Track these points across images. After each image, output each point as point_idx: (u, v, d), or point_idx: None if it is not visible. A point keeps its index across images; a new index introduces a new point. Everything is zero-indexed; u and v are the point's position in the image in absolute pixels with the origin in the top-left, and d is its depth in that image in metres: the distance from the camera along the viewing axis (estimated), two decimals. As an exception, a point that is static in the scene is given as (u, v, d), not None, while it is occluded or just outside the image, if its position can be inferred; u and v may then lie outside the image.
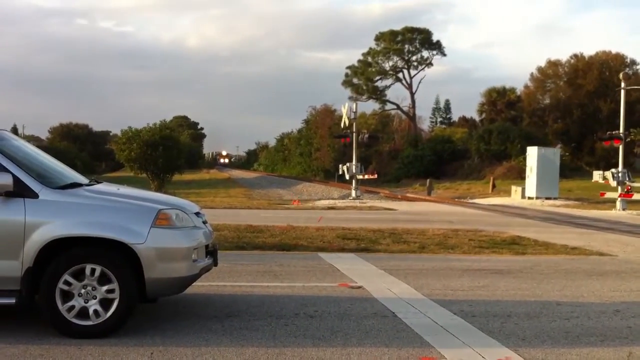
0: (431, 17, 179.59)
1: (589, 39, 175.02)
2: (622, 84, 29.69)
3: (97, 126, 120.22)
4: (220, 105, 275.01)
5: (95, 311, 5.94)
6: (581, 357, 5.72)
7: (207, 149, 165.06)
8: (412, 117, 76.68)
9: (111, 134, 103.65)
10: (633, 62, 60.29)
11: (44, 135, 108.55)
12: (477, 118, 73.85)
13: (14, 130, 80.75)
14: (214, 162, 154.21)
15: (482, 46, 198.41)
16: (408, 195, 40.94)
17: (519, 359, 5.64)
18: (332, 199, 36.86)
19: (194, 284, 6.83)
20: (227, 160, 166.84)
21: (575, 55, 62.72)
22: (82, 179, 7.20)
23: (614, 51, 61.53)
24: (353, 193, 35.26)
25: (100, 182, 7.48)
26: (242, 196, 39.07)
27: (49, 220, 5.97)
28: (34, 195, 6.03)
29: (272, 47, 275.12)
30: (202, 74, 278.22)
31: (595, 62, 60.55)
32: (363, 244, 13.28)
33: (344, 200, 33.70)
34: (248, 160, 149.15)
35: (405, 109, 77.36)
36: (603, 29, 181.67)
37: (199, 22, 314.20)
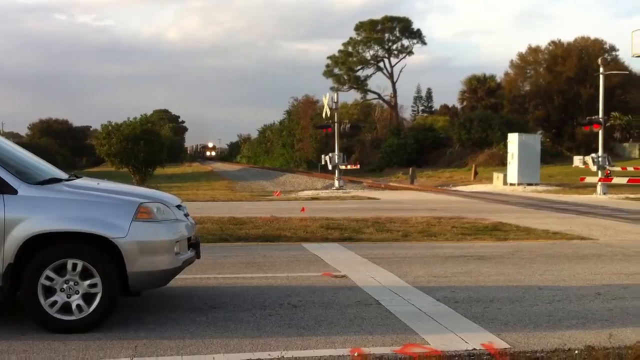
0: (411, 7, 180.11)
1: (570, 24, 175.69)
2: (601, 70, 29.89)
3: (77, 121, 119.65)
4: (201, 98, 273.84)
5: (78, 306, 5.92)
6: (563, 340, 5.78)
7: (189, 142, 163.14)
8: (393, 106, 76.70)
9: (91, 129, 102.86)
10: (612, 48, 60.64)
11: (23, 131, 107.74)
12: (458, 106, 74.16)
13: (-7, 127, 79.96)
14: (196, 155, 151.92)
15: (462, 35, 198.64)
16: (391, 184, 41.01)
17: (501, 343, 5.69)
18: (316, 189, 36.86)
19: (177, 276, 6.82)
20: (214, 153, 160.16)
21: (554, 42, 63.03)
22: (62, 174, 7.17)
23: (592, 37, 61.95)
24: (336, 183, 35.27)
25: (80, 177, 7.44)
26: (224, 189, 38.98)
27: (29, 216, 5.93)
28: (13, 191, 5.99)
29: (253, 38, 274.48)
30: (183, 68, 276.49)
31: (574, 48, 60.80)
32: (347, 233, 13.30)
33: (327, 191, 33.70)
34: (230, 153, 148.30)
35: (386, 98, 77.39)
36: (584, 15, 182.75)
37: (180, 14, 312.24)
